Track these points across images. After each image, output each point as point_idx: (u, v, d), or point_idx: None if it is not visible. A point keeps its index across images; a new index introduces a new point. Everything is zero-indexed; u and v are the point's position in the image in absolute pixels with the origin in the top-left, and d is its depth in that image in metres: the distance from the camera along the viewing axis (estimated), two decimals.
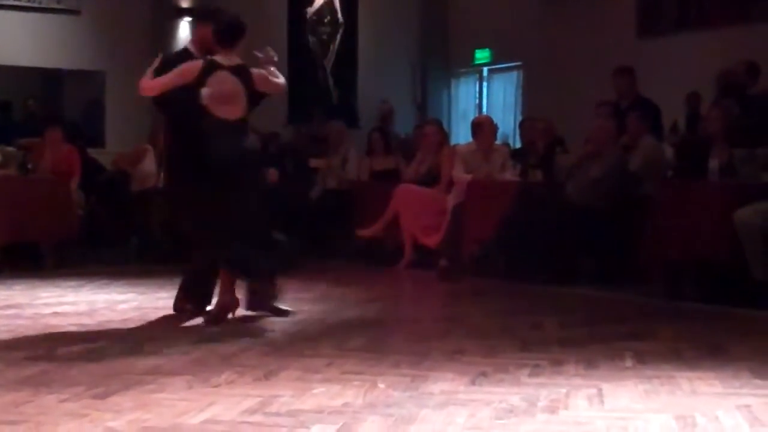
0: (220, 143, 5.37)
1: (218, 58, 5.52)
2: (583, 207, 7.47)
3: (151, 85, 5.47)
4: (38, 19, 11.63)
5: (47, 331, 5.23)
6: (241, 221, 5.45)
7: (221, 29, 5.59)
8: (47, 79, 12.81)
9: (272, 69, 5.77)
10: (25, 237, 8.51)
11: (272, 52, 5.83)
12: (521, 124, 10.56)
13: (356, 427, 3.16)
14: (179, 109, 5.57)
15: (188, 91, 5.40)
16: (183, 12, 12.36)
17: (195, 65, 5.49)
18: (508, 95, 13.51)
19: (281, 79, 5.79)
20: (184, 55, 5.75)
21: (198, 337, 5.03)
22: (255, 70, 5.61)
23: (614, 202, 7.47)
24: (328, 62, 13.73)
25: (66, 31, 11.84)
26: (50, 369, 4.15)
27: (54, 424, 3.19)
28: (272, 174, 10.31)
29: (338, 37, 13.77)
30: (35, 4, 11.70)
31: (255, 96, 5.62)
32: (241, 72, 5.52)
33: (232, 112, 5.48)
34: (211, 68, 5.45)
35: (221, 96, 5.43)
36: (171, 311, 5.92)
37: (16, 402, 3.50)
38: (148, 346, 4.73)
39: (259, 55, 5.79)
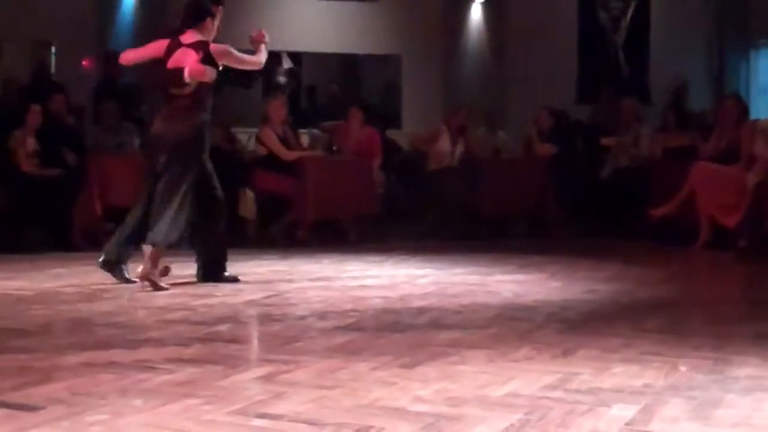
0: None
1: (182, 37, 6.01)
2: None
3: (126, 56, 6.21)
4: (340, 6, 12.24)
5: (354, 302, 5.54)
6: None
7: (184, 12, 6.11)
8: (347, 64, 13.47)
9: (261, 47, 6.23)
10: (332, 214, 9.08)
11: (259, 33, 6.30)
12: None
13: (658, 408, 3.16)
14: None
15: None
16: None
17: (162, 43, 6.04)
18: None
19: (251, 57, 6.22)
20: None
21: (494, 312, 5.17)
22: (214, 46, 6.03)
23: None
24: (620, 38, 13.48)
25: (365, 18, 12.38)
26: (359, 338, 4.40)
27: (367, 390, 3.38)
28: (549, 148, 10.32)
29: (630, 11, 13.48)
30: None
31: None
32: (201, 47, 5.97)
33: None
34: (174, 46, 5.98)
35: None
36: (465, 286, 6.14)
37: (331, 368, 3.73)
38: (448, 320, 4.93)
39: (252, 34, 6.32)
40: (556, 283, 6.45)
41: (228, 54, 6.12)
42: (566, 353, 4.04)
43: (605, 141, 10.61)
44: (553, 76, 12.55)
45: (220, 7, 6.28)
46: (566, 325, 4.76)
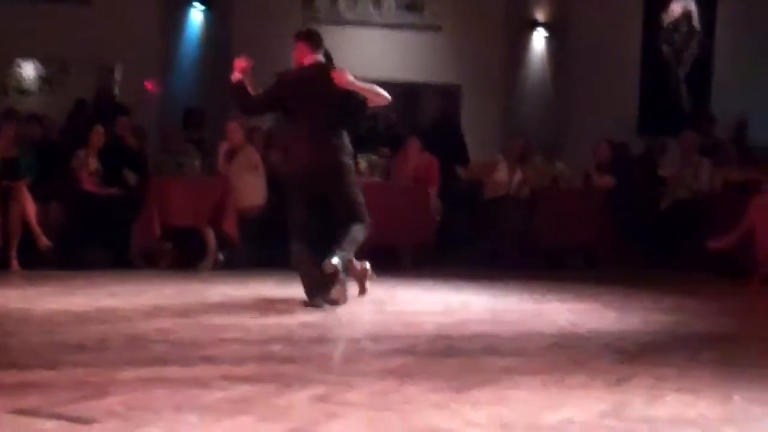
0: None
1: None
2: None
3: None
4: (402, 36, 12.32)
5: (408, 327, 5.55)
6: None
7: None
8: (406, 93, 13.51)
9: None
10: (388, 240, 9.06)
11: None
12: None
13: None
14: None
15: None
16: (537, 25, 12.57)
17: None
18: None
19: None
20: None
21: (550, 341, 5.14)
22: None
23: None
24: (682, 70, 13.39)
25: (427, 47, 12.44)
26: (413, 362, 4.40)
27: (418, 413, 3.38)
28: (608, 181, 10.26)
29: (693, 44, 13.40)
30: (400, 22, 12.40)
31: None
32: None
33: None
34: None
35: None
36: (521, 313, 6.12)
37: (384, 391, 3.73)
38: (502, 346, 4.91)
39: None
40: (612, 313, 6.38)
41: None
42: (620, 381, 4.01)
43: (663, 173, 10.52)
44: (614, 108, 12.49)
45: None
46: (621, 355, 4.72)
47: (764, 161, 10.04)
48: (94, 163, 8.87)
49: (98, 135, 8.91)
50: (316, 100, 6.27)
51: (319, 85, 6.27)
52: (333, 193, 6.26)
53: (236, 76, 6.35)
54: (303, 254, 6.21)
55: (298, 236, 6.26)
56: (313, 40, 6.46)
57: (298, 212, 6.27)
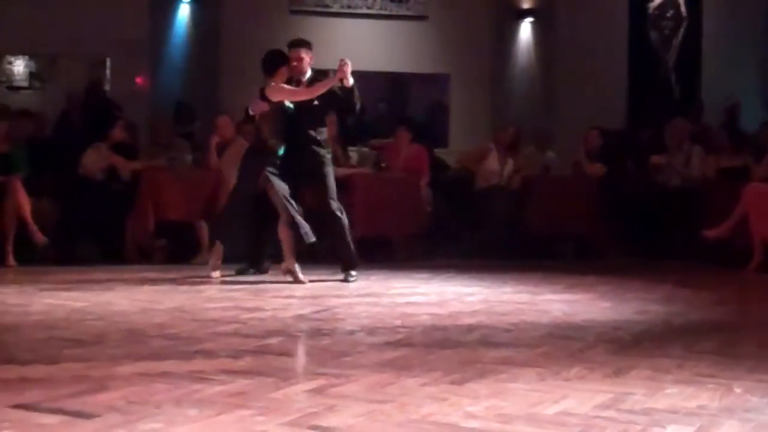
0: None
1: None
2: None
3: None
4: (389, 25, 12.29)
5: (403, 318, 5.55)
6: None
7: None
8: (395, 83, 13.50)
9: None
10: (380, 231, 9.09)
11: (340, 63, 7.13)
12: None
13: (713, 429, 3.12)
14: None
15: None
16: (524, 14, 12.56)
17: None
18: None
19: (302, 90, 7.25)
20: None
21: (545, 331, 5.15)
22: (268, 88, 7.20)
23: None
24: (671, 58, 13.41)
25: (414, 37, 12.41)
26: (409, 354, 4.40)
27: (417, 405, 3.38)
28: (599, 168, 10.27)
29: (681, 31, 13.41)
30: (386, 12, 12.38)
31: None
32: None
33: None
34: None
35: None
36: (514, 304, 6.13)
37: (381, 383, 3.73)
38: (498, 338, 4.91)
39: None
40: (606, 303, 6.40)
41: (278, 91, 7.17)
42: (618, 373, 4.01)
43: (655, 159, 10.53)
44: (603, 95, 12.49)
45: (299, 49, 7.25)
46: (618, 345, 4.72)
47: (755, 147, 10.05)
48: (114, 158, 8.95)
49: (119, 130, 8.96)
50: None
51: None
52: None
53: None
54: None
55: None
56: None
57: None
